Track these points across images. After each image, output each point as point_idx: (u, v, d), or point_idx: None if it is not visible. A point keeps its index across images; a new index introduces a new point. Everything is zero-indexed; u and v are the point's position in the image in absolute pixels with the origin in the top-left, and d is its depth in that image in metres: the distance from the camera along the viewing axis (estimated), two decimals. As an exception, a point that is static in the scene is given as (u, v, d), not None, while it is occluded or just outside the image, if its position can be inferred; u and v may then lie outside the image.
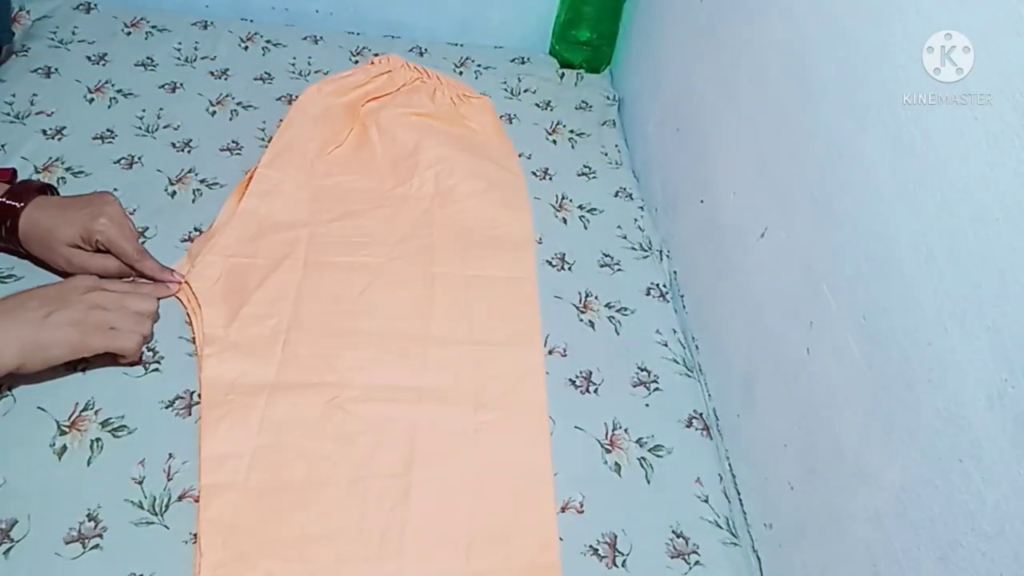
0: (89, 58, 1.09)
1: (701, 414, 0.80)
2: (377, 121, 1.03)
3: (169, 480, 0.66)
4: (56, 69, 1.05)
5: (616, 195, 1.05)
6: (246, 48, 1.17)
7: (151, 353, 0.75)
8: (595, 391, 0.80)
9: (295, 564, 0.63)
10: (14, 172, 0.86)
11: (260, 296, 0.81)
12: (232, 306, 0.79)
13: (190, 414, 0.71)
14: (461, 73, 1.21)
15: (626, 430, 0.77)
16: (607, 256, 0.96)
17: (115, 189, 0.90)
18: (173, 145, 0.98)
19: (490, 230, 0.94)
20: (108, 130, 0.98)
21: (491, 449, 0.73)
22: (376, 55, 1.14)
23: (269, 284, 0.82)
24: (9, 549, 0.60)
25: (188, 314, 0.79)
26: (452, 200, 0.96)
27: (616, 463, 0.75)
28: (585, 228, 0.99)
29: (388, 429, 0.73)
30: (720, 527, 0.72)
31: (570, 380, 0.81)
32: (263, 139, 1.01)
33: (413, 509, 0.68)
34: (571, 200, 1.03)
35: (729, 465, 0.78)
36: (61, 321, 0.67)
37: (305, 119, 1.00)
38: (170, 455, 0.68)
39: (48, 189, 0.80)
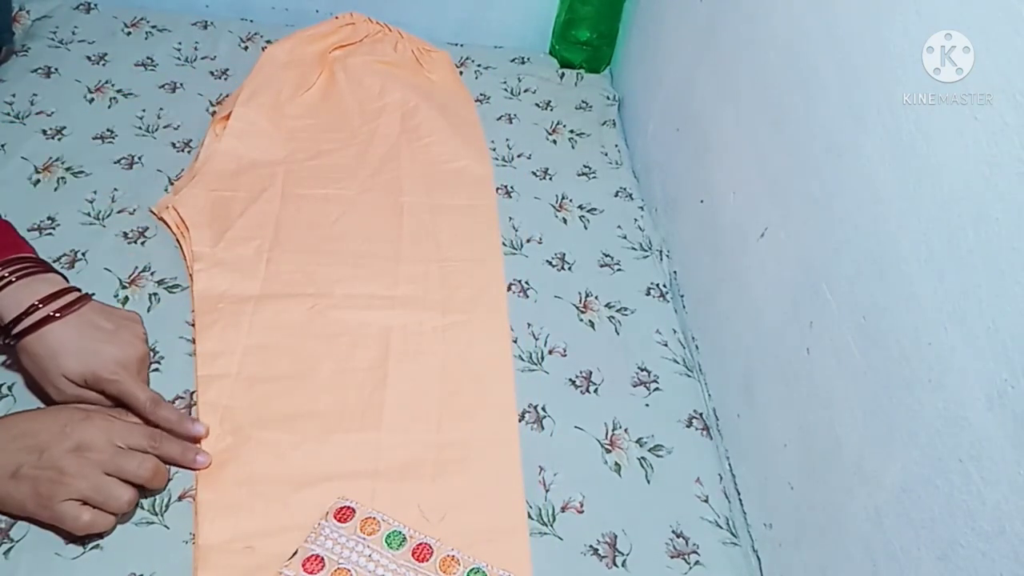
0: (89, 58, 1.09)
1: (701, 414, 0.80)
2: (344, 67, 1.10)
3: (169, 480, 0.66)
4: (56, 69, 1.05)
5: (616, 195, 1.05)
6: (246, 48, 1.17)
7: (151, 353, 0.75)
8: (595, 391, 0.80)
9: (285, 435, 0.71)
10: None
11: (243, 222, 0.88)
12: (217, 230, 0.86)
13: (190, 414, 0.71)
14: (462, 73, 1.21)
15: (626, 430, 0.77)
16: (607, 256, 0.96)
17: (115, 189, 0.90)
18: (173, 145, 0.98)
19: (452, 164, 1.02)
20: (108, 130, 0.98)
21: (458, 344, 0.81)
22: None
23: (250, 213, 0.89)
24: (9, 549, 0.60)
25: (177, 239, 0.85)
26: (417, 137, 1.04)
27: (616, 463, 0.75)
28: (585, 228, 0.99)
29: (365, 331, 0.81)
30: (720, 527, 0.72)
31: (570, 380, 0.81)
32: (263, 139, 1.02)
33: (390, 393, 0.76)
34: (571, 200, 1.03)
35: (729, 465, 0.78)
36: (24, 483, 0.59)
37: (275, 65, 1.06)
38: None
39: (80, 300, 0.69)
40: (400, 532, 0.64)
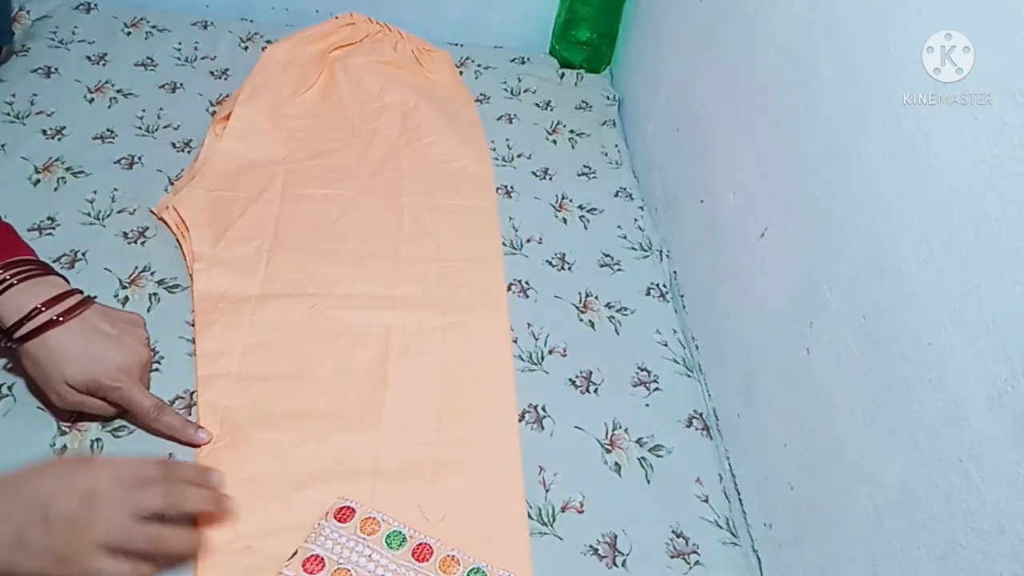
0: (89, 58, 1.09)
1: (701, 414, 0.80)
2: (344, 67, 1.10)
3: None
4: (56, 69, 1.05)
5: (616, 195, 1.05)
6: (246, 48, 1.17)
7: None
8: (595, 391, 0.80)
9: (285, 435, 0.71)
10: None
11: (243, 222, 0.88)
12: (217, 230, 0.86)
13: (190, 414, 0.71)
14: (462, 73, 1.21)
15: (626, 430, 0.77)
16: (607, 256, 0.96)
17: (115, 189, 0.90)
18: (173, 145, 0.98)
19: (452, 164, 1.02)
20: (108, 130, 0.98)
21: (458, 344, 0.81)
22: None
23: (250, 213, 0.89)
24: (9, 549, 0.60)
25: (177, 239, 0.85)
26: (417, 137, 1.04)
27: (616, 463, 0.75)
28: (585, 228, 0.99)
29: (365, 330, 0.81)
30: (720, 527, 0.72)
31: (570, 380, 0.81)
32: (263, 139, 1.01)
33: (390, 393, 0.76)
34: (571, 200, 1.03)
35: (729, 465, 0.78)
36: (35, 553, 0.52)
37: (275, 65, 1.06)
38: (170, 454, 0.68)
39: (85, 302, 0.68)
40: (400, 532, 0.64)
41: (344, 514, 0.64)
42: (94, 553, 0.52)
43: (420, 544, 0.63)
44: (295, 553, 0.61)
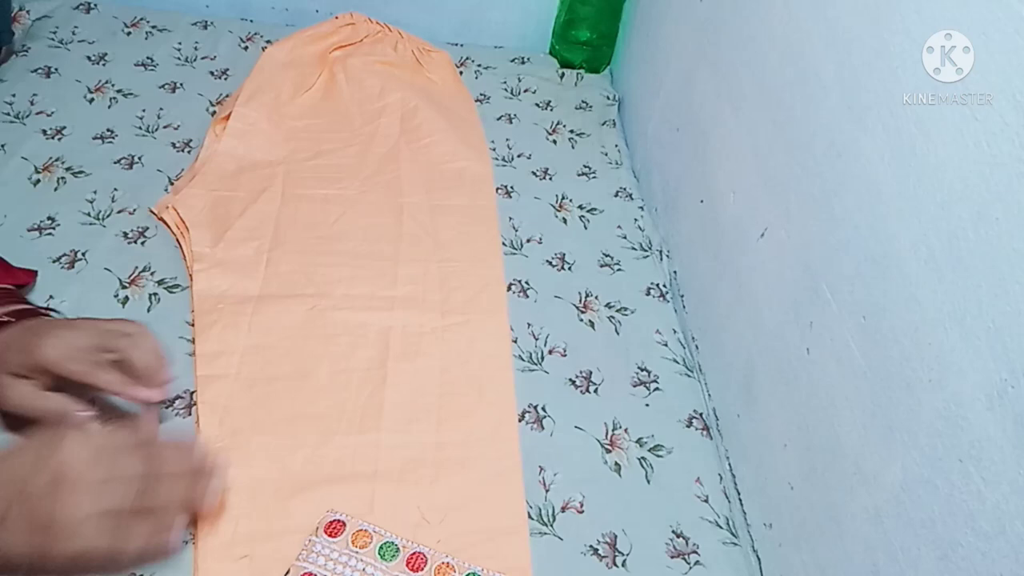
0: (89, 58, 1.09)
1: (701, 414, 0.80)
2: (344, 67, 1.10)
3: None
4: (56, 69, 1.05)
5: (616, 195, 1.05)
6: (246, 48, 1.17)
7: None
8: (595, 391, 0.80)
9: (285, 439, 0.71)
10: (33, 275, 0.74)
11: (243, 223, 0.88)
12: (217, 231, 0.86)
13: (190, 414, 0.71)
14: (462, 73, 1.21)
15: (626, 430, 0.77)
16: (607, 256, 0.96)
17: (115, 189, 0.90)
18: (173, 145, 0.98)
19: (452, 164, 1.02)
20: (108, 130, 0.98)
21: (457, 345, 0.82)
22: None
23: (250, 213, 0.89)
24: (9, 549, 0.60)
25: (177, 239, 0.85)
26: (417, 138, 1.04)
27: (616, 463, 0.75)
28: (585, 228, 0.99)
29: (364, 331, 0.81)
30: (720, 527, 0.72)
31: (570, 380, 0.81)
32: (263, 139, 1.01)
33: (389, 394, 0.76)
34: (571, 200, 1.02)
35: (729, 465, 0.78)
36: (14, 531, 0.41)
37: (275, 64, 1.06)
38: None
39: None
40: (393, 543, 0.64)
41: (334, 528, 0.64)
42: (77, 521, 0.42)
43: (414, 554, 0.63)
44: (287, 573, 0.61)
